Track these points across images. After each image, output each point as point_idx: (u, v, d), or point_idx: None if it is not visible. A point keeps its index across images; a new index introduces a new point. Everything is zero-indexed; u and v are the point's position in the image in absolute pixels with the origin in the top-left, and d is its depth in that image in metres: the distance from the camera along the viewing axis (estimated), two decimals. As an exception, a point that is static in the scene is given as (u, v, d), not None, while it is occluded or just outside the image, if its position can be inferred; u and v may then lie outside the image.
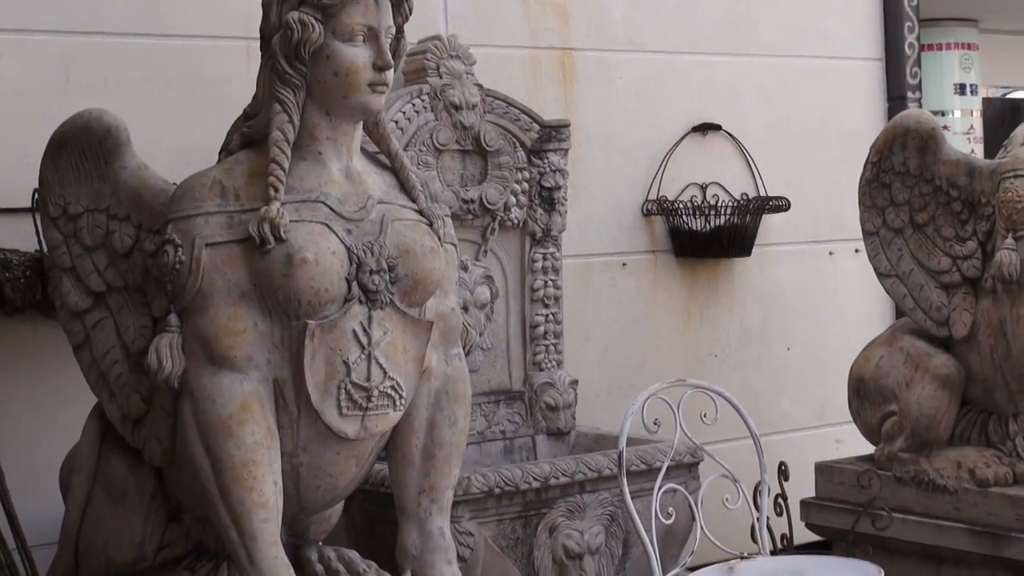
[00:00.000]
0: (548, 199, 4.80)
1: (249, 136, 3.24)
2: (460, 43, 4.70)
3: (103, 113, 3.31)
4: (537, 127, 4.78)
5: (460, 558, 3.96)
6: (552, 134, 4.80)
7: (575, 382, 4.86)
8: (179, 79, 4.48)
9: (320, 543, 3.65)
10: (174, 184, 3.30)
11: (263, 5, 3.22)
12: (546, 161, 4.80)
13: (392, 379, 3.17)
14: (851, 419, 5.02)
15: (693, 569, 3.96)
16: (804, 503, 4.93)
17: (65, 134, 3.32)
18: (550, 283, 4.85)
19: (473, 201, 4.65)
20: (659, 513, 3.93)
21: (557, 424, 4.84)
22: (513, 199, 4.73)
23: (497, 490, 4.12)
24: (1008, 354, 4.45)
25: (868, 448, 5.10)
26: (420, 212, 3.32)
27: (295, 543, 3.53)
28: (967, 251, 4.57)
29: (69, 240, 3.39)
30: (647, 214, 5.48)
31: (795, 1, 5.88)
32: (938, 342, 4.65)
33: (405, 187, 3.34)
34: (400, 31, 3.26)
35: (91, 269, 3.37)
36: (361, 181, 3.24)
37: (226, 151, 3.29)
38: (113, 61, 4.35)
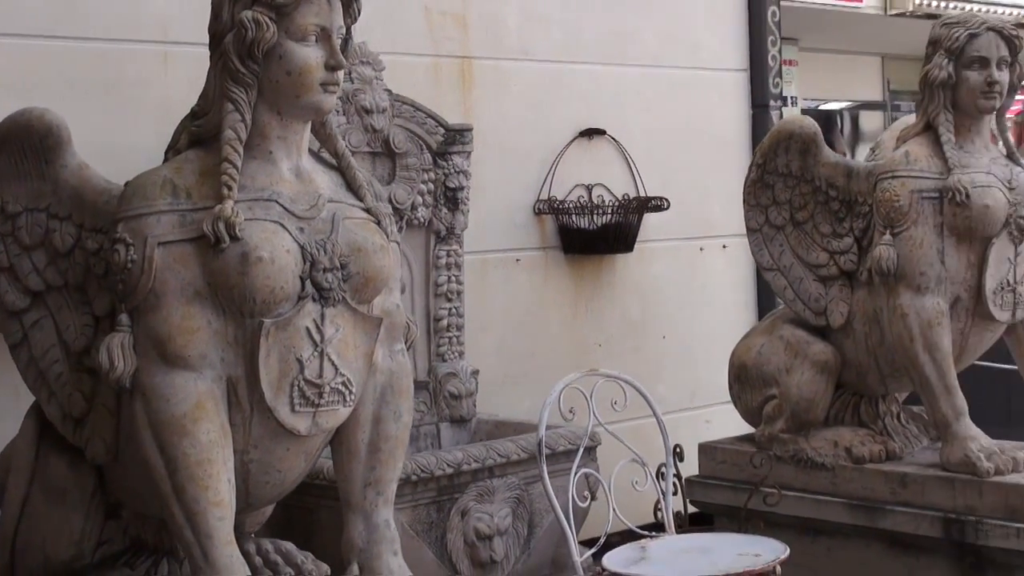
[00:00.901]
0: (452, 199, 4.63)
1: (198, 135, 2.94)
2: (370, 50, 4.47)
3: (44, 112, 3.03)
4: (442, 131, 4.60)
5: None
6: (456, 137, 4.63)
7: (476, 372, 4.70)
8: (97, 81, 4.15)
9: (254, 535, 3.37)
10: (116, 184, 3.01)
11: (213, 4, 2.93)
12: (450, 163, 4.62)
13: (343, 375, 2.91)
14: (720, 402, 4.92)
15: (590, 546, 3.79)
16: (688, 481, 4.79)
17: (5, 132, 3.02)
18: (453, 278, 4.69)
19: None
20: (576, 496, 3.74)
21: (460, 412, 4.67)
22: (420, 199, 4.56)
23: (413, 477, 3.95)
24: (881, 341, 4.37)
25: (735, 428, 5.03)
26: (367, 211, 3.06)
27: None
28: (844, 246, 4.48)
29: (7, 239, 3.09)
30: (538, 213, 5.29)
31: (669, 15, 5.74)
32: (816, 331, 4.55)
33: (352, 186, 3.08)
34: (348, 32, 2.99)
35: (29, 268, 3.08)
36: (311, 180, 2.98)
37: (174, 150, 3.00)
38: (33, 62, 4.01)
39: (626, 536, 3.88)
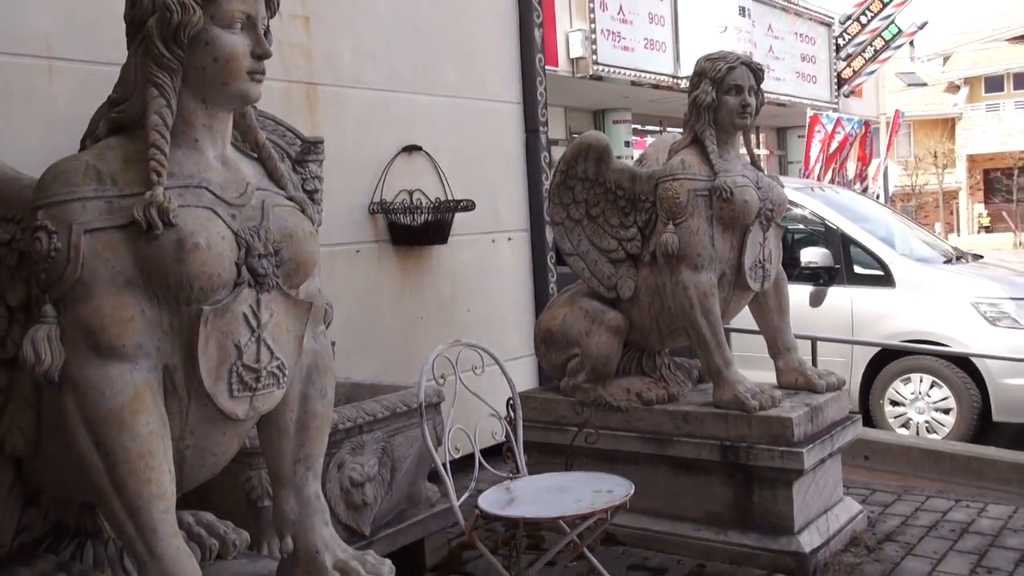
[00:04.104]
0: (310, 200, 3.81)
1: (119, 122, 2.04)
2: (235, 71, 3.60)
3: None
4: (299, 142, 3.79)
5: (270, 497, 2.98)
6: (311, 148, 3.83)
7: (333, 343, 3.87)
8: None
9: None
10: (26, 174, 2.08)
11: None
12: (307, 169, 3.82)
13: (278, 359, 2.09)
14: (513, 357, 4.33)
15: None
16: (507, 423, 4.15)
17: None
18: None
19: None
20: (449, 449, 3.04)
21: None
22: None
23: None
24: (662, 309, 3.86)
25: (527, 378, 4.54)
26: (291, 199, 2.24)
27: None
28: (630, 235, 3.93)
29: None
30: (372, 213, 4.51)
31: (464, 58, 5.05)
32: (608, 302, 4.00)
33: (273, 176, 2.24)
34: (267, 25, 2.14)
35: None
36: (237, 168, 2.13)
37: (92, 137, 2.07)
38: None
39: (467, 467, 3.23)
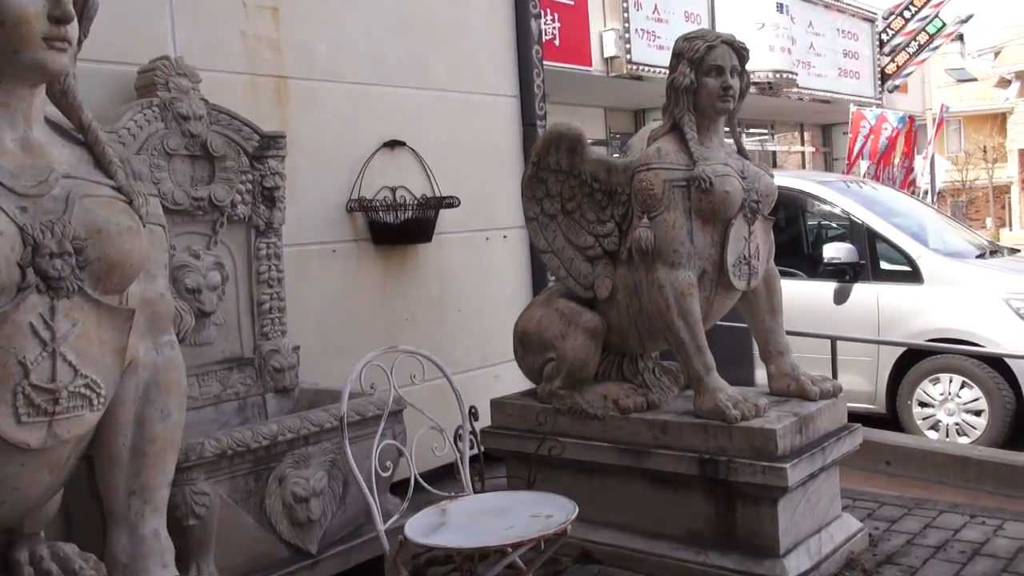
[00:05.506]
0: (269, 197, 3.53)
1: None
2: (186, 63, 3.28)
3: None
4: (257, 137, 3.48)
5: (196, 516, 2.64)
6: (271, 143, 3.51)
7: (297, 347, 3.58)
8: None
9: (41, 534, 2.09)
10: None
11: None
12: (266, 165, 3.52)
13: (86, 376, 1.68)
14: (506, 360, 3.91)
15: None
16: (483, 431, 3.74)
17: None
18: (273, 267, 3.58)
19: (203, 199, 3.35)
20: (378, 468, 2.63)
21: (283, 383, 3.56)
22: (239, 197, 3.46)
23: (230, 451, 2.85)
24: (641, 309, 3.39)
25: (519, 382, 4.01)
26: (118, 189, 1.82)
27: (8, 539, 1.98)
28: (607, 231, 3.47)
29: None
30: (351, 211, 4.12)
31: (455, 49, 4.63)
32: (585, 302, 3.54)
33: (101, 162, 1.83)
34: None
35: None
36: (43, 153, 1.72)
37: None
38: None
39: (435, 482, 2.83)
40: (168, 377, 1.88)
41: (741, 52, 3.31)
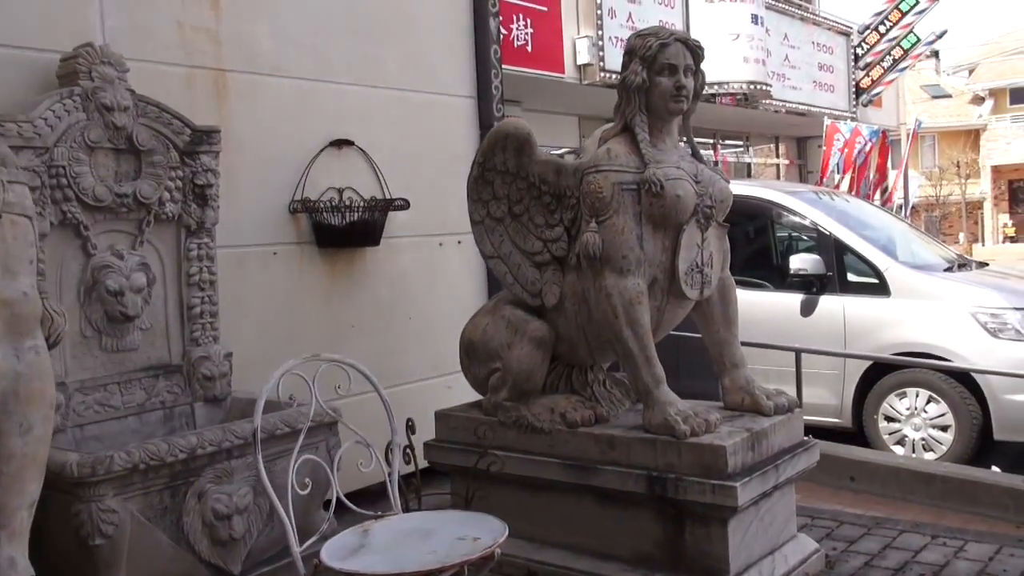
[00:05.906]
0: (201, 195, 3.34)
1: None
2: (113, 51, 3.10)
3: None
4: (189, 131, 3.29)
5: (103, 535, 2.44)
6: (203, 138, 3.31)
7: (230, 354, 3.39)
8: None
9: None
10: None
11: None
12: (198, 162, 3.32)
13: None
14: (458, 370, 3.70)
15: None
16: (427, 444, 3.57)
17: None
18: (205, 269, 3.39)
19: (127, 195, 3.16)
20: (296, 484, 2.44)
21: (214, 392, 3.38)
22: (168, 195, 3.27)
23: (142, 465, 2.67)
24: (589, 318, 3.22)
25: (472, 392, 3.78)
26: None
27: None
28: (555, 235, 3.30)
29: None
30: (293, 212, 3.93)
31: (409, 46, 4.46)
32: (533, 310, 3.37)
33: None
34: None
35: None
36: None
37: None
38: None
39: (362, 500, 2.65)
40: (30, 387, 1.67)
41: (696, 51, 3.16)
